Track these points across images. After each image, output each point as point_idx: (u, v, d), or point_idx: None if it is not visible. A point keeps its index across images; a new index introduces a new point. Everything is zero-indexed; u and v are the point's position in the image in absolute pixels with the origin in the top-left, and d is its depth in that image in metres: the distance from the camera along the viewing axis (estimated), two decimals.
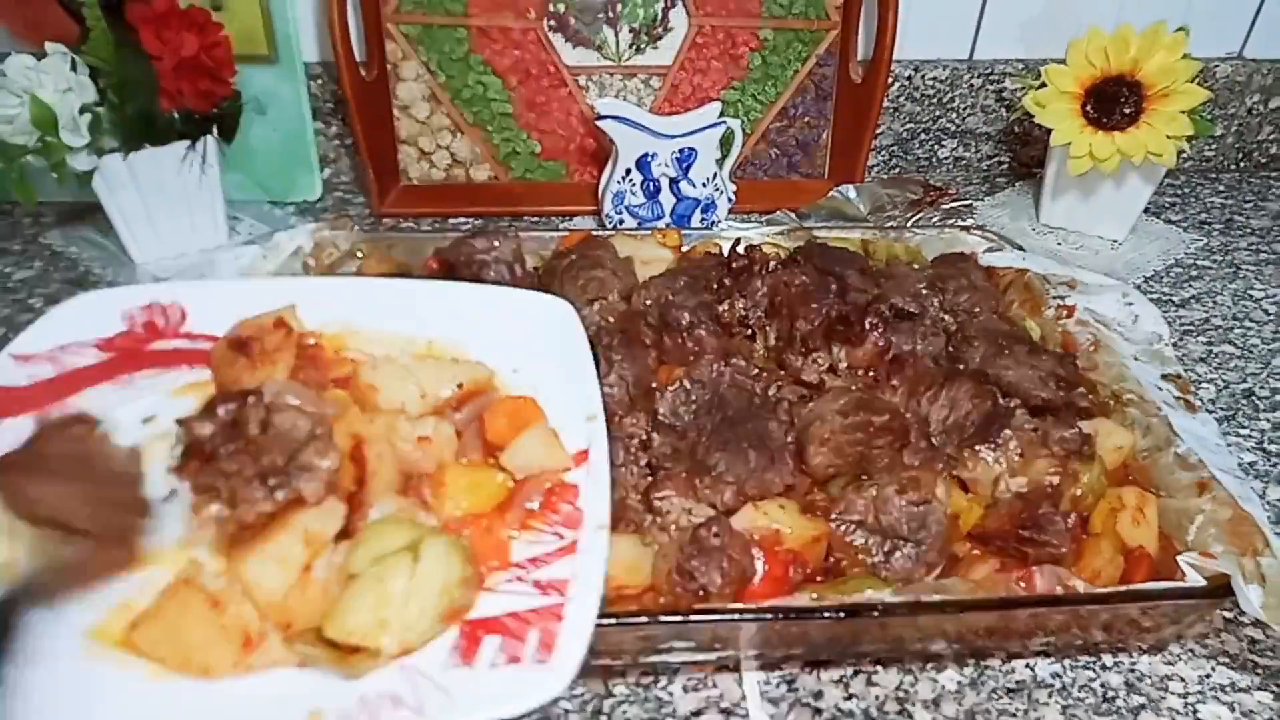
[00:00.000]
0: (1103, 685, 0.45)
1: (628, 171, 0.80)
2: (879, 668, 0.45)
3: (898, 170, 1.00)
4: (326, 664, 0.31)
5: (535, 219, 0.87)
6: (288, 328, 0.39)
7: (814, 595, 0.42)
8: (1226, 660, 0.46)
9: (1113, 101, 0.78)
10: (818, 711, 0.43)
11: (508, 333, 0.42)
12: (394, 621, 0.31)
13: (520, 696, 0.29)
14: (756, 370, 0.53)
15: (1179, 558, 0.44)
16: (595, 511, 0.36)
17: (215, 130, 0.76)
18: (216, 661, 0.31)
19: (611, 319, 0.58)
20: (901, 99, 0.95)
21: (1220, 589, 0.42)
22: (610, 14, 0.85)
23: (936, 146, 0.99)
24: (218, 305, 0.39)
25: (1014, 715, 0.43)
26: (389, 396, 0.39)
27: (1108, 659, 0.46)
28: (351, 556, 0.33)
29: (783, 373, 0.55)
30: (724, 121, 0.80)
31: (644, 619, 0.40)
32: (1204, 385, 0.67)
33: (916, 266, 0.68)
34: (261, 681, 0.31)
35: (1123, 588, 0.43)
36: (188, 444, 0.33)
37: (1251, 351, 0.71)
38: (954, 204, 0.91)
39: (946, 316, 0.61)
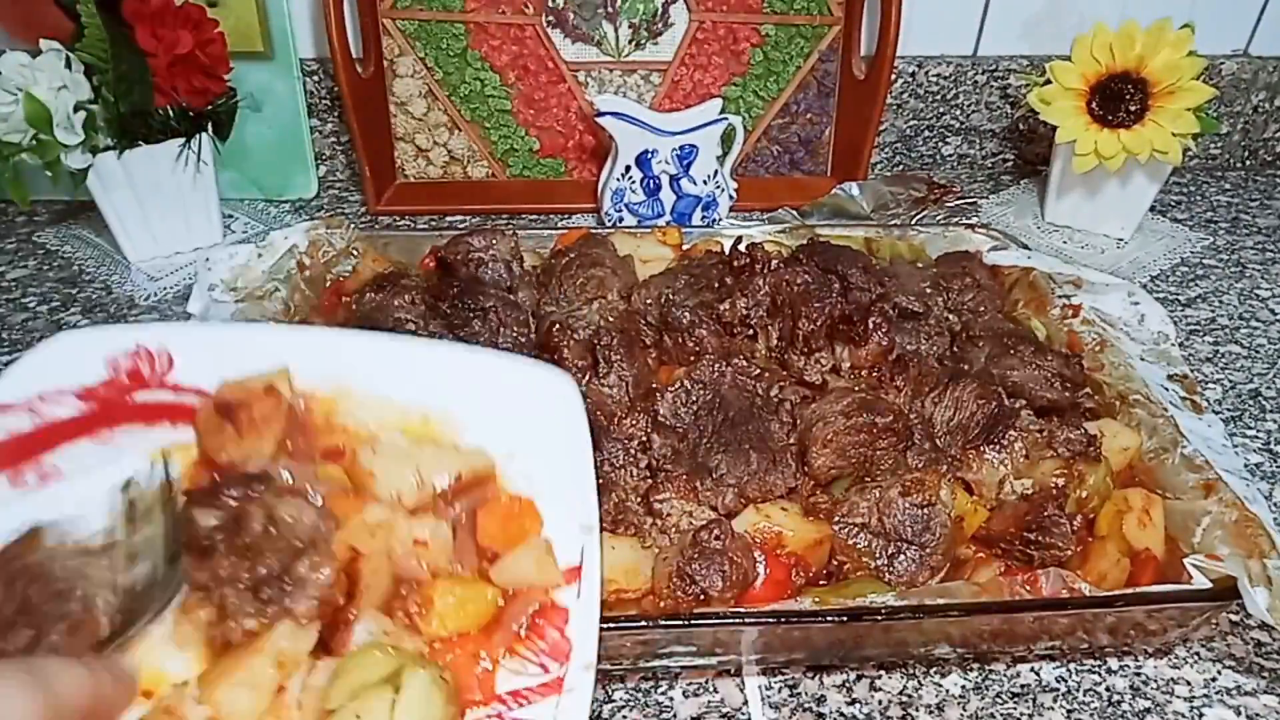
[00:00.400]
0: (1108, 689, 0.44)
1: (627, 169, 0.79)
2: (882, 672, 0.45)
3: (901, 168, 0.99)
4: None
5: (533, 217, 0.87)
6: (278, 395, 0.36)
7: (816, 599, 0.41)
8: (1232, 663, 0.46)
9: (1118, 99, 0.77)
10: (820, 716, 0.43)
11: (507, 409, 0.39)
12: None
13: None
14: (758, 370, 0.53)
15: (1185, 560, 0.43)
16: (583, 647, 0.33)
17: (210, 128, 0.75)
18: None
19: (611, 318, 0.58)
20: (905, 95, 0.94)
21: (1226, 592, 0.41)
22: (610, 9, 0.85)
23: (940, 144, 0.98)
24: (207, 353, 0.37)
25: None
26: (385, 484, 0.36)
27: (1113, 662, 0.46)
28: (330, 690, 0.31)
29: (785, 373, 0.54)
30: (725, 118, 0.79)
31: (644, 623, 0.40)
32: (1210, 385, 0.66)
33: (920, 265, 0.67)
34: None
35: (1128, 591, 0.43)
36: (189, 538, 0.32)
37: (1258, 351, 0.71)
38: (958, 202, 0.91)
39: (951, 316, 0.61)
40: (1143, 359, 0.57)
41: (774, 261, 0.59)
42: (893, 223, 0.81)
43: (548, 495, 0.37)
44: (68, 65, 0.67)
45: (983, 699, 0.44)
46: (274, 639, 0.32)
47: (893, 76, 0.86)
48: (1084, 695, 0.44)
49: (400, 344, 0.42)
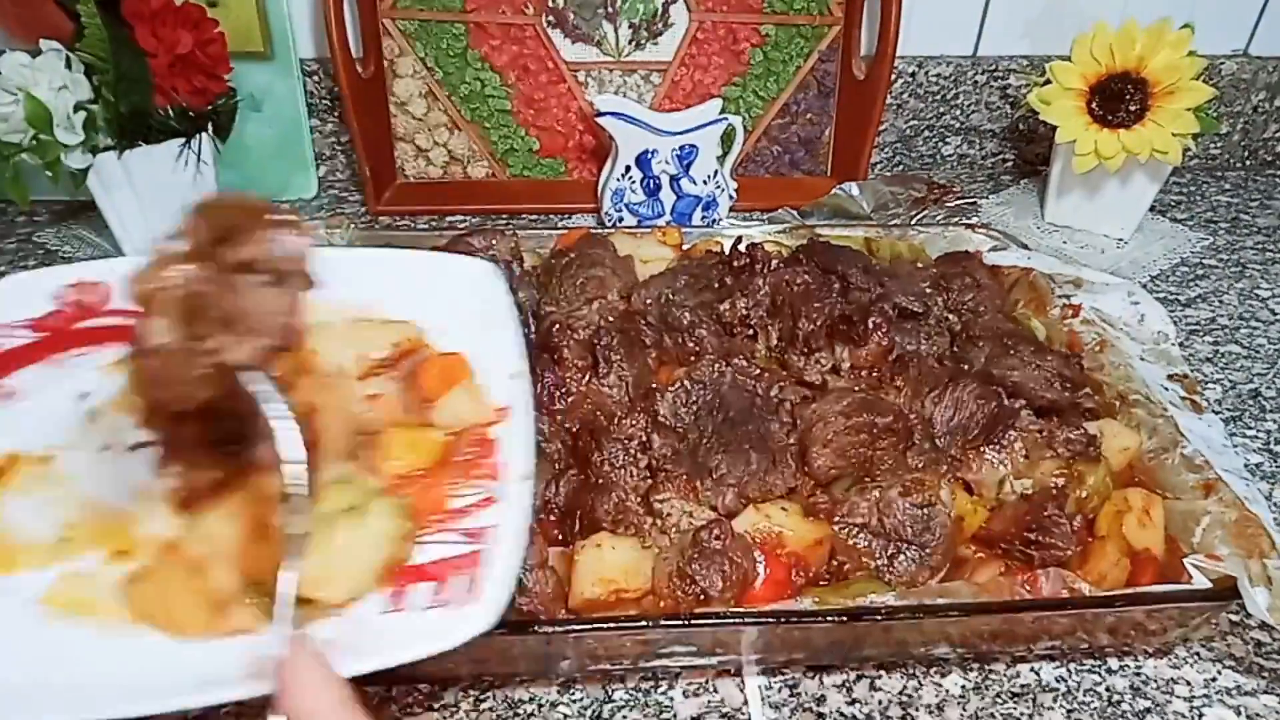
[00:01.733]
0: (1108, 689, 0.44)
1: (627, 169, 0.79)
2: (882, 672, 0.45)
3: (901, 168, 0.99)
4: (265, 612, 0.34)
5: (533, 217, 0.87)
6: None
7: (816, 599, 0.41)
8: (1232, 664, 0.46)
9: (1118, 99, 0.77)
10: (820, 716, 0.43)
11: (435, 295, 0.45)
12: (338, 575, 0.34)
13: (449, 633, 0.32)
14: (758, 370, 0.53)
15: (1185, 560, 0.43)
16: (517, 464, 0.39)
17: (210, 128, 0.75)
18: (191, 623, 0.34)
19: (611, 318, 0.58)
20: (905, 95, 0.94)
21: (1226, 592, 0.41)
22: (609, 9, 0.85)
23: (940, 144, 0.98)
24: None
25: None
26: (328, 360, 0.42)
27: (1113, 662, 0.46)
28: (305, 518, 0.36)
29: (785, 373, 0.54)
30: (725, 118, 0.79)
31: (644, 623, 0.40)
32: (1210, 385, 0.66)
33: (920, 265, 0.67)
34: (220, 644, 0.34)
35: (1128, 591, 0.43)
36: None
37: (1258, 351, 0.71)
38: (958, 202, 0.91)
39: (951, 316, 0.60)
40: (1143, 359, 0.57)
41: (774, 261, 0.59)
42: (893, 223, 0.81)
43: (475, 352, 0.44)
44: (68, 65, 0.67)
45: (983, 699, 0.44)
46: (253, 480, 0.36)
47: (893, 76, 0.86)
48: (1084, 695, 0.44)
49: (331, 251, 0.47)
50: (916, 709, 0.43)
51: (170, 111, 0.72)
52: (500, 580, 0.34)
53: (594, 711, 0.43)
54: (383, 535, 0.35)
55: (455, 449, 0.41)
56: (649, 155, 0.78)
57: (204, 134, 0.75)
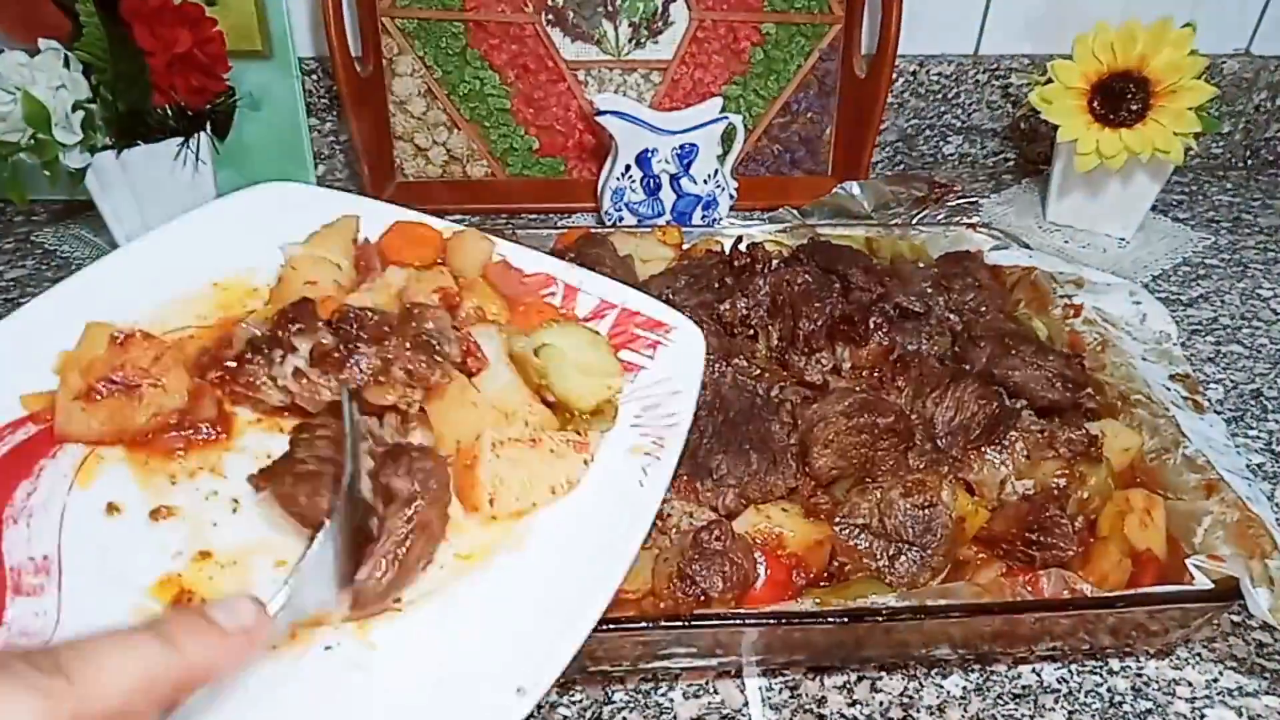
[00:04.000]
0: (1109, 690, 0.44)
1: (627, 168, 0.79)
2: (883, 673, 0.45)
3: (902, 167, 0.99)
4: (596, 428, 0.40)
5: (533, 216, 0.87)
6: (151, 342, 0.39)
7: (817, 600, 0.41)
8: (1234, 664, 0.46)
9: (1119, 98, 0.77)
10: (821, 717, 0.42)
11: (274, 225, 0.45)
12: (596, 371, 0.41)
13: (689, 351, 0.41)
14: (758, 371, 0.53)
15: (1187, 561, 0.43)
16: (550, 261, 0.48)
17: (209, 127, 0.75)
18: (569, 473, 0.39)
19: None
20: (906, 95, 0.94)
21: (1228, 592, 0.41)
22: (609, 8, 0.84)
23: (941, 143, 0.98)
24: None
25: None
26: (325, 283, 0.43)
27: (1114, 663, 0.45)
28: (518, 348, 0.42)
29: (785, 373, 0.54)
30: (725, 117, 0.79)
31: (644, 624, 0.39)
32: (1212, 385, 0.66)
33: (921, 265, 0.67)
34: None
35: (1130, 591, 0.43)
36: (318, 353, 0.38)
37: (1260, 351, 0.70)
38: (959, 201, 0.90)
39: (952, 316, 0.60)
40: (1144, 359, 0.57)
41: (774, 261, 0.59)
42: (894, 222, 0.81)
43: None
44: (66, 64, 0.67)
45: (984, 700, 0.43)
46: (455, 388, 0.40)
47: (894, 75, 0.86)
48: (1085, 696, 0.44)
49: (137, 247, 0.46)
50: (918, 710, 0.43)
51: (168, 111, 0.72)
52: (656, 307, 0.43)
53: (594, 712, 0.42)
54: (590, 337, 0.42)
55: (497, 279, 0.46)
56: (649, 154, 0.78)
57: (202, 133, 0.74)
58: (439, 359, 0.38)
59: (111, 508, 0.35)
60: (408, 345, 0.38)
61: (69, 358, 0.37)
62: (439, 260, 0.48)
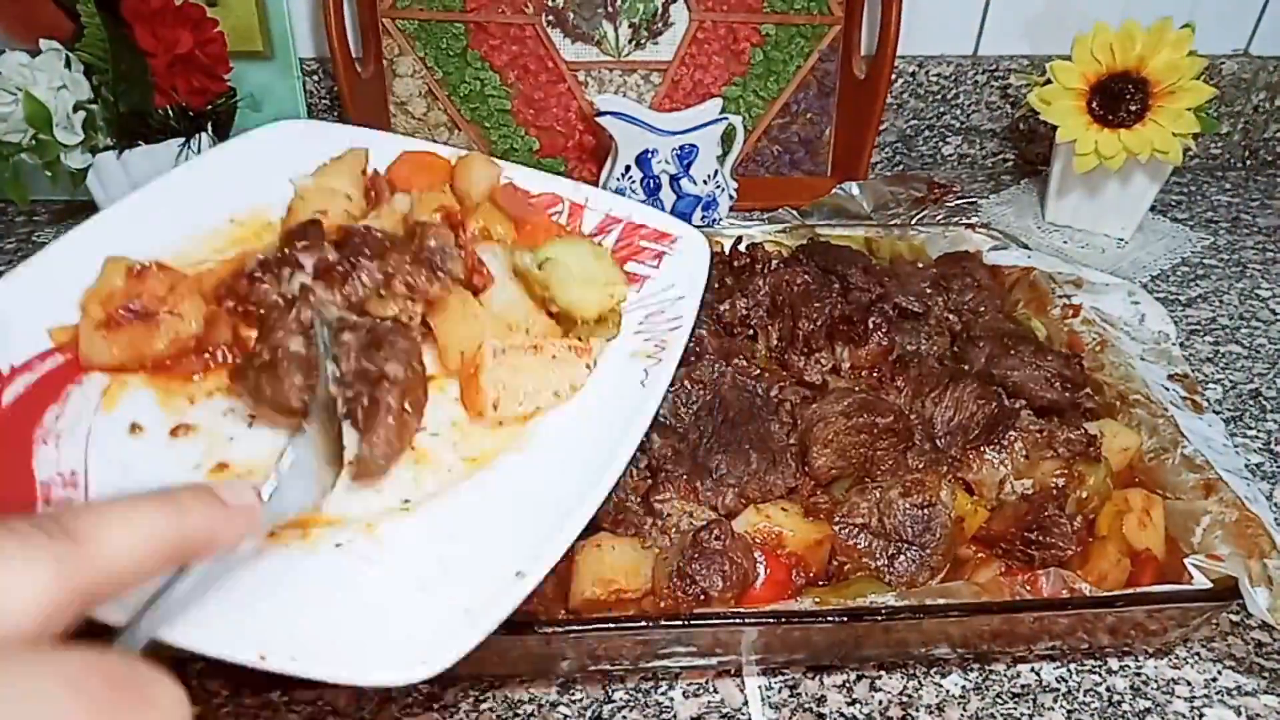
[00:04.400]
0: (1108, 689, 0.44)
1: (627, 168, 0.79)
2: (882, 672, 0.45)
3: (901, 167, 0.99)
4: (599, 336, 0.41)
5: None
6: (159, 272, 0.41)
7: (817, 599, 0.41)
8: (1233, 664, 0.46)
9: (1118, 98, 0.77)
10: (820, 717, 0.43)
11: (289, 161, 0.46)
12: (599, 281, 0.42)
13: (694, 258, 0.42)
14: (758, 370, 0.53)
15: (1185, 560, 0.43)
16: (557, 181, 0.47)
17: (210, 127, 0.75)
18: (571, 378, 0.40)
19: None
20: (905, 95, 0.94)
21: (1227, 592, 0.41)
22: (610, 9, 0.84)
23: (940, 143, 0.98)
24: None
25: None
26: (334, 214, 0.44)
27: (1113, 663, 0.45)
28: (521, 262, 0.43)
29: (785, 373, 0.54)
30: (725, 118, 0.79)
31: (644, 623, 0.39)
32: (1211, 385, 0.66)
33: (921, 265, 0.67)
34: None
35: (1129, 591, 0.43)
36: (321, 268, 0.38)
37: (1259, 351, 0.71)
38: (958, 201, 0.91)
39: (951, 316, 0.60)
40: (1143, 359, 0.57)
41: (774, 261, 0.59)
42: (893, 223, 0.81)
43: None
44: (67, 65, 0.67)
45: (983, 699, 0.44)
46: (457, 302, 0.41)
47: (893, 76, 0.86)
48: (1084, 695, 0.44)
49: (142, 196, 0.46)
50: (917, 709, 0.43)
51: (170, 111, 0.72)
52: (661, 218, 0.42)
53: (594, 712, 0.42)
54: (594, 249, 0.42)
55: (504, 200, 0.46)
56: (649, 155, 0.78)
57: (203, 134, 0.74)
58: (440, 274, 0.40)
59: (135, 427, 0.37)
60: (408, 260, 0.39)
61: (90, 291, 0.39)
62: (446, 185, 0.49)
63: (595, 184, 0.84)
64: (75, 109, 0.67)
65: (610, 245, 0.44)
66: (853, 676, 0.44)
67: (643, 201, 0.80)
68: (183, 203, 0.44)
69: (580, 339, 0.41)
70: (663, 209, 0.80)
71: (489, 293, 0.42)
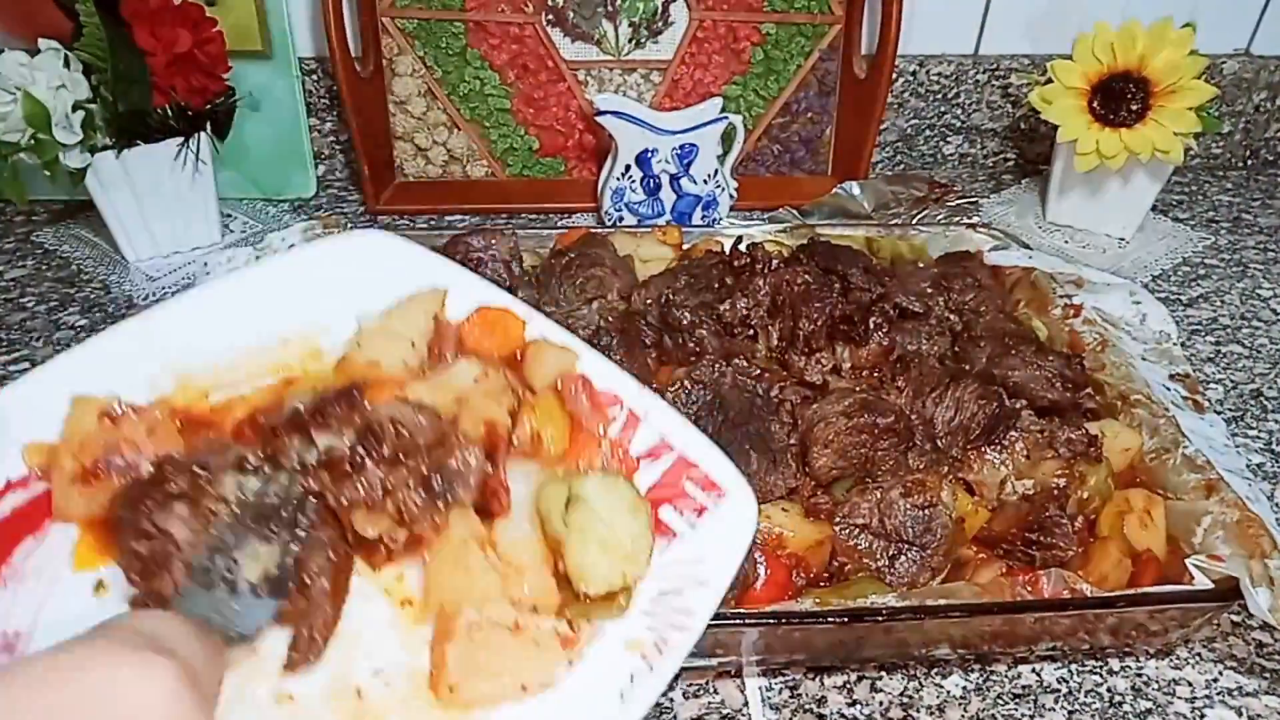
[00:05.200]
0: (1109, 690, 0.44)
1: (627, 168, 0.79)
2: (883, 673, 0.45)
3: (902, 167, 0.99)
4: (599, 617, 0.34)
5: (533, 216, 0.86)
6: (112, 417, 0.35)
7: (817, 600, 0.41)
8: (1234, 664, 0.46)
9: (1119, 98, 0.77)
10: (821, 717, 0.42)
11: (356, 282, 0.41)
12: (621, 551, 0.34)
13: (735, 530, 0.34)
14: (758, 371, 0.53)
15: (1186, 560, 0.43)
16: (624, 381, 0.38)
17: (209, 127, 0.75)
18: (545, 674, 0.33)
19: (611, 318, 0.58)
20: (906, 95, 0.94)
21: (1228, 592, 0.41)
22: (609, 8, 0.84)
23: (941, 143, 0.98)
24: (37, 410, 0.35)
25: None
26: (390, 364, 0.39)
27: (1114, 663, 0.45)
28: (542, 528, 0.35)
29: (785, 373, 0.54)
30: (725, 117, 0.79)
31: None
32: (1212, 385, 0.66)
33: (921, 265, 0.67)
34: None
35: (1130, 591, 0.43)
36: (329, 458, 0.33)
37: (1260, 351, 0.70)
38: (959, 201, 0.90)
39: (952, 316, 0.60)
40: (1144, 359, 0.57)
41: (774, 261, 0.59)
42: (893, 222, 0.81)
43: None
44: (66, 64, 0.67)
45: (984, 700, 0.43)
46: (456, 530, 0.34)
47: (894, 75, 0.86)
48: (1085, 696, 0.44)
49: (202, 293, 0.41)
50: (917, 710, 0.43)
51: (169, 111, 0.72)
52: (719, 463, 0.35)
53: None
54: (626, 501, 0.35)
55: (569, 402, 0.38)
56: (649, 154, 0.78)
57: (202, 133, 0.74)
58: (439, 504, 0.34)
59: (100, 586, 0.33)
60: (411, 480, 0.34)
61: (62, 441, 0.34)
62: (517, 354, 0.41)
63: (595, 184, 0.84)
64: (74, 108, 0.67)
65: (653, 480, 0.37)
66: (853, 677, 0.44)
67: (642, 201, 0.80)
68: (240, 309, 0.40)
69: (572, 621, 0.35)
70: (663, 208, 0.80)
71: (501, 523, 0.36)
